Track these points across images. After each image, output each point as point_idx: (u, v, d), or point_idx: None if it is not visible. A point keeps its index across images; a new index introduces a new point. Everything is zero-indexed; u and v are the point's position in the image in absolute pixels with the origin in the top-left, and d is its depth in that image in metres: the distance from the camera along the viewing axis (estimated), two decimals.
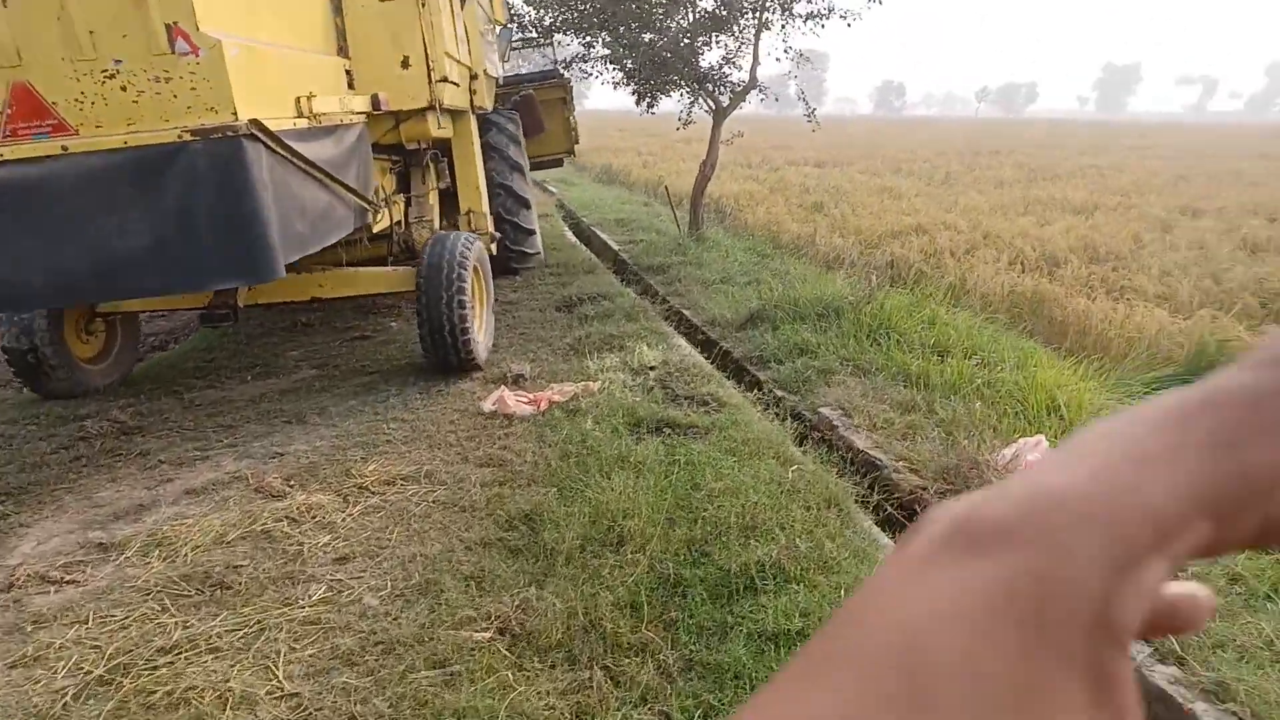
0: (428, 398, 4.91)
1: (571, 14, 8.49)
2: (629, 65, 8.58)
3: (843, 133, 43.65)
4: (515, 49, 9.49)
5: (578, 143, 9.68)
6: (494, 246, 6.52)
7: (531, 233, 7.76)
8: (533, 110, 8.32)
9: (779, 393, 5.00)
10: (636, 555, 2.94)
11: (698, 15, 8.63)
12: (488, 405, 4.63)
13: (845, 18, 8.43)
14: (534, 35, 8.79)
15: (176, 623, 2.84)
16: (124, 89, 3.01)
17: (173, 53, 2.97)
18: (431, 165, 6.24)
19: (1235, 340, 5.15)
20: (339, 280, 5.19)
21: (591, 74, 9.04)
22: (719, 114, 9.04)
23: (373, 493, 3.78)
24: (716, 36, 8.71)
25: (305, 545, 3.36)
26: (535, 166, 9.49)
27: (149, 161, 3.04)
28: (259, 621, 2.84)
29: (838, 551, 2.80)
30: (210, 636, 2.75)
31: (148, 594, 3.05)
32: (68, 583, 3.13)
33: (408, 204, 5.99)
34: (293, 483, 3.93)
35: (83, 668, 2.62)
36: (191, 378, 5.55)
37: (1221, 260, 7.77)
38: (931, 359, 5.23)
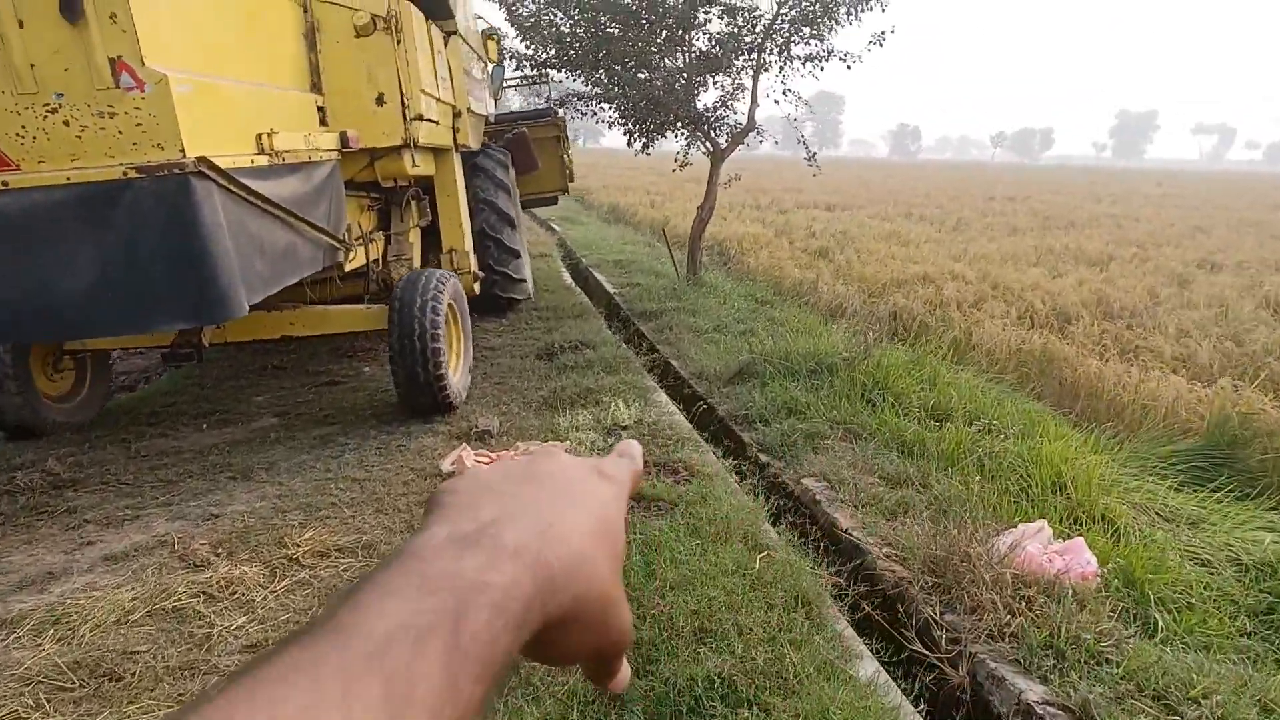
0: (385, 454, 4.59)
1: (566, 51, 8.29)
2: (624, 105, 8.34)
3: (855, 176, 43.60)
4: (509, 87, 9.32)
5: (572, 180, 9.56)
6: (477, 286, 6.35)
7: (522, 281, 7.63)
8: (525, 148, 8.21)
9: (763, 457, 4.64)
10: None
11: (693, 55, 8.41)
12: (446, 465, 4.29)
13: (845, 60, 8.19)
14: (528, 73, 8.58)
15: None
16: (67, 124, 2.90)
17: (117, 87, 2.86)
18: (413, 203, 6.09)
19: (1260, 414, 4.75)
20: (310, 319, 5.06)
21: (586, 113, 8.81)
22: (717, 156, 8.78)
23: (303, 566, 3.44)
24: (713, 77, 8.48)
25: (216, 629, 3.01)
26: (529, 205, 9.47)
27: (93, 198, 2.93)
28: None
29: (801, 665, 2.43)
30: None
31: (27, 683, 2.71)
32: None
33: (387, 242, 5.81)
34: (221, 550, 3.59)
35: None
36: (145, 424, 5.25)
37: (1243, 320, 7.37)
38: (929, 424, 4.87)
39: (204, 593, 3.23)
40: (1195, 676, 2.53)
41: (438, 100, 5.44)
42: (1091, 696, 2.42)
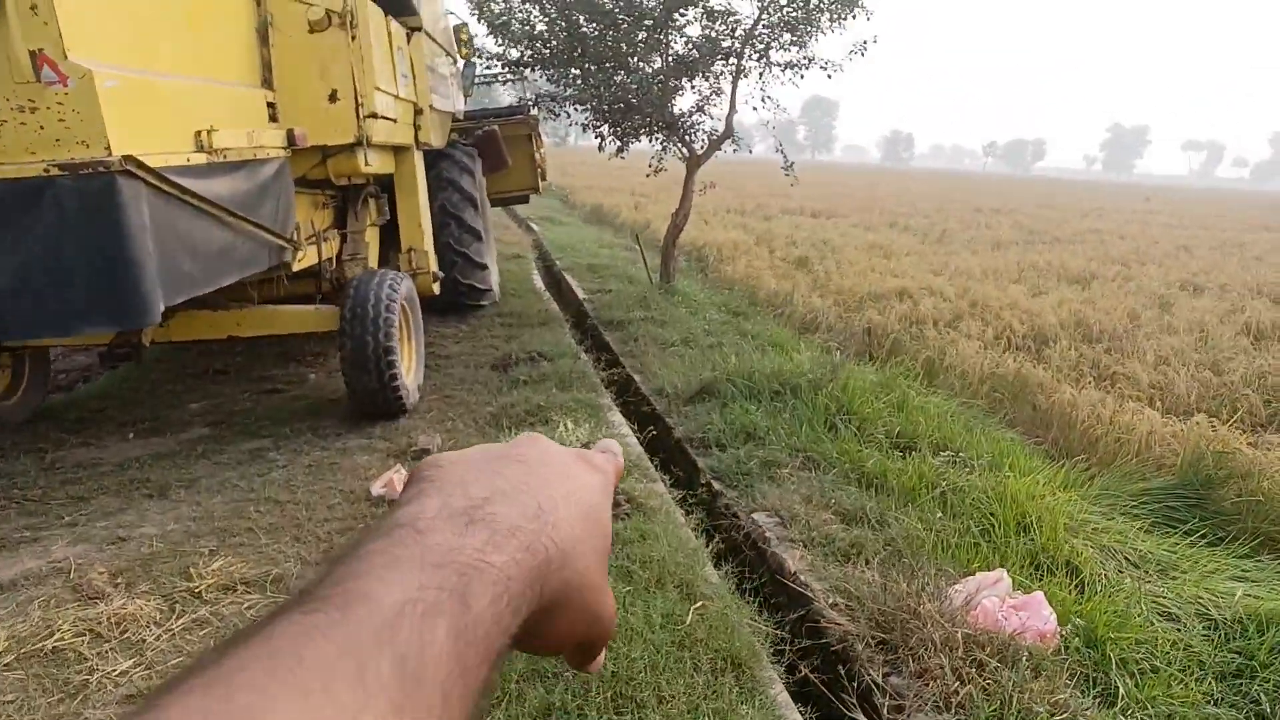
0: (316, 473, 4.33)
1: (540, 50, 8.03)
2: (598, 107, 8.09)
3: (845, 182, 43.53)
4: (482, 84, 9.06)
5: (545, 179, 9.38)
6: (437, 286, 6.20)
7: (483, 267, 7.49)
8: (495, 146, 8.01)
9: (717, 485, 4.41)
10: None
11: (670, 59, 8.17)
12: (376, 488, 4.03)
13: (825, 68, 7.97)
14: (501, 71, 8.32)
15: None
16: None
17: (38, 81, 2.73)
18: (370, 201, 5.93)
19: (1235, 453, 4.54)
20: (258, 319, 4.98)
21: (559, 114, 8.55)
22: (693, 162, 8.54)
23: (205, 601, 3.18)
24: (690, 81, 8.24)
25: (96, 674, 2.75)
26: (499, 203, 9.31)
27: (12, 197, 2.82)
28: None
29: None
30: None
31: None
32: None
33: (343, 240, 5.66)
34: (120, 580, 3.32)
35: None
36: (67, 431, 4.96)
37: (1222, 347, 7.19)
38: (893, 454, 4.64)
39: (91, 630, 2.97)
40: None
41: (396, 98, 5.31)
42: None
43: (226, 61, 3.94)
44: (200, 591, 3.22)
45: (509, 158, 8.24)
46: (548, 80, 8.54)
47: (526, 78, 8.62)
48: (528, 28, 8.12)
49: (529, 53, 8.09)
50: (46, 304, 2.92)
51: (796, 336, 7.76)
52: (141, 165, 2.95)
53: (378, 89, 4.72)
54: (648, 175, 8.84)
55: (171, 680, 0.26)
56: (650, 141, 8.66)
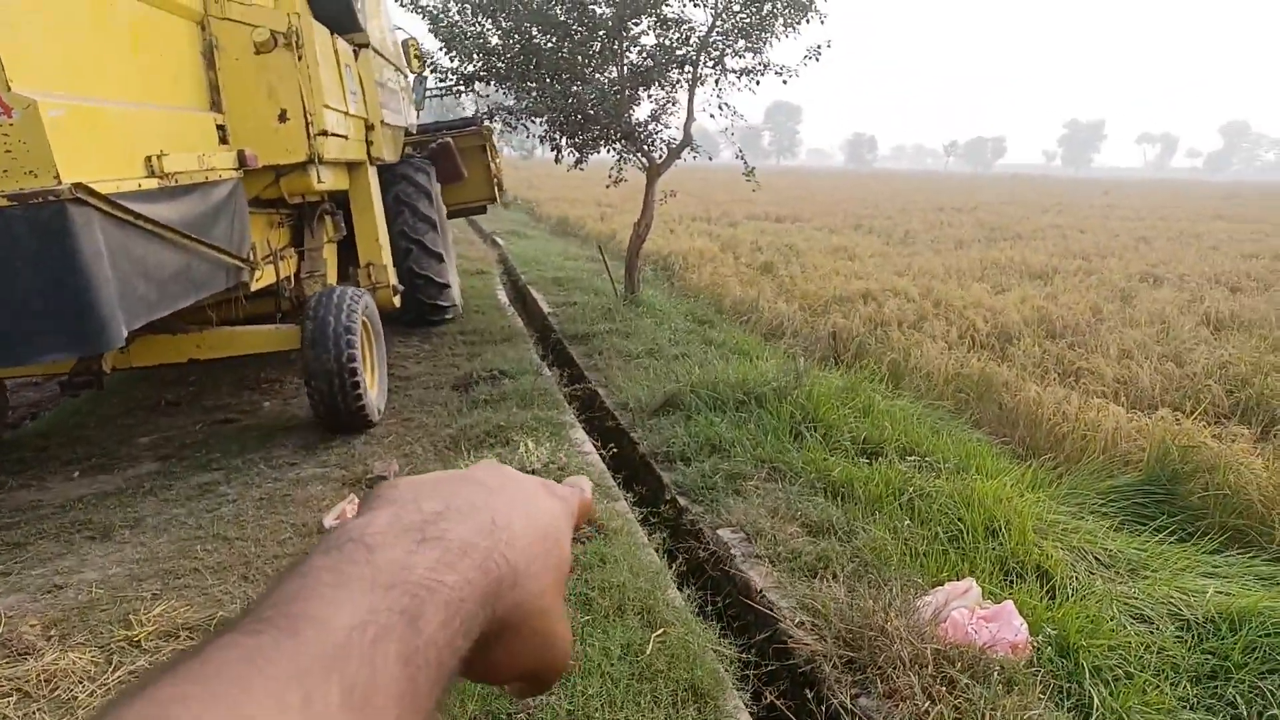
0: (267, 506, 4.17)
1: (494, 64, 7.93)
2: (555, 118, 8.00)
3: (809, 186, 43.81)
4: (434, 97, 8.97)
5: (502, 189, 9.45)
6: (398, 299, 6.20)
7: (446, 286, 7.55)
8: (450, 158, 8.02)
9: (682, 501, 4.31)
10: None
11: (625, 68, 8.09)
12: (329, 520, 3.89)
13: (780, 74, 7.93)
14: (455, 84, 8.20)
15: None
16: None
17: None
18: (327, 218, 5.93)
19: (1200, 446, 4.52)
20: (218, 340, 4.99)
21: (516, 126, 8.44)
22: (653, 171, 8.46)
23: (144, 650, 3.02)
24: (646, 90, 8.17)
25: None
26: (456, 214, 9.30)
27: None
28: None
29: None
30: None
31: None
32: None
33: (300, 258, 5.70)
34: (54, 632, 3.15)
35: None
36: (8, 472, 4.76)
37: (1184, 338, 7.22)
38: (859, 461, 4.57)
39: (19, 690, 2.80)
40: None
41: (346, 114, 5.32)
42: None
43: (173, 86, 3.93)
44: (140, 640, 3.06)
45: (464, 169, 8.25)
46: (504, 93, 8.46)
47: (478, 91, 8.51)
48: (481, 41, 8.02)
49: (483, 67, 7.99)
50: (6, 334, 2.91)
51: (762, 343, 7.71)
52: (92, 192, 2.94)
53: (327, 106, 4.75)
54: (607, 186, 8.76)
55: (109, 705, 0.25)
56: (608, 152, 8.58)
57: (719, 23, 7.84)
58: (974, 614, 2.96)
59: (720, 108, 8.21)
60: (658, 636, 2.74)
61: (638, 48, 8.15)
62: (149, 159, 3.49)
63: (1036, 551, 3.61)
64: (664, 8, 7.81)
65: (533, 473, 3.31)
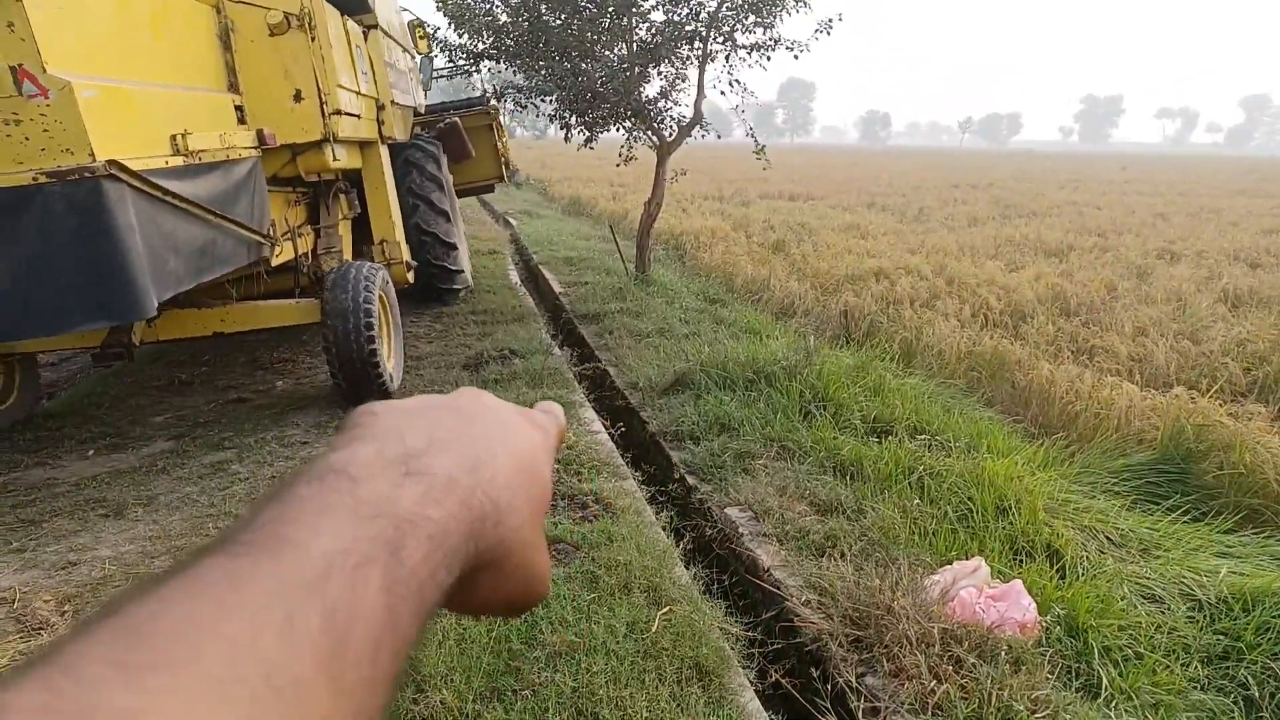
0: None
1: (503, 42, 7.87)
2: (564, 97, 7.94)
3: (822, 164, 43.46)
4: (441, 77, 8.95)
5: (509, 168, 9.53)
6: (411, 275, 6.37)
7: (453, 247, 7.61)
8: (458, 137, 8.11)
9: (690, 480, 4.30)
10: None
11: (635, 45, 8.01)
12: None
13: (792, 49, 7.82)
14: (464, 63, 8.16)
15: None
16: None
17: (20, 94, 2.88)
18: (341, 196, 6.09)
19: (1215, 425, 4.47)
20: (241, 315, 5.13)
21: (525, 105, 8.39)
22: (663, 149, 8.39)
23: None
24: (655, 67, 8.08)
25: None
26: (465, 193, 9.40)
27: (4, 204, 2.96)
28: None
29: None
30: None
31: None
32: None
33: (317, 235, 5.87)
34: (67, 608, 3.19)
35: None
36: (24, 451, 4.81)
37: (1201, 316, 7.13)
38: (869, 440, 4.55)
39: None
40: None
41: (358, 94, 5.42)
42: None
43: (193, 68, 4.06)
44: None
45: (472, 149, 8.25)
46: (514, 72, 8.43)
47: (485, 70, 8.49)
48: (490, 18, 7.96)
49: (492, 45, 7.93)
50: (44, 304, 3.06)
51: (773, 322, 7.66)
52: (124, 169, 3.08)
53: (340, 86, 4.89)
54: (617, 165, 8.70)
55: (82, 625, 0.24)
56: (618, 130, 8.52)
57: None
58: (982, 593, 2.95)
59: (731, 84, 8.12)
60: (663, 614, 2.74)
61: (646, 24, 8.06)
62: (174, 137, 3.63)
63: (1047, 530, 3.58)
64: None
65: None
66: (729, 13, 7.79)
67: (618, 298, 8.22)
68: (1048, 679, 2.59)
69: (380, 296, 5.09)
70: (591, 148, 8.64)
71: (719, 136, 8.64)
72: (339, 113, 4.84)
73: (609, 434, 4.79)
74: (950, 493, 3.90)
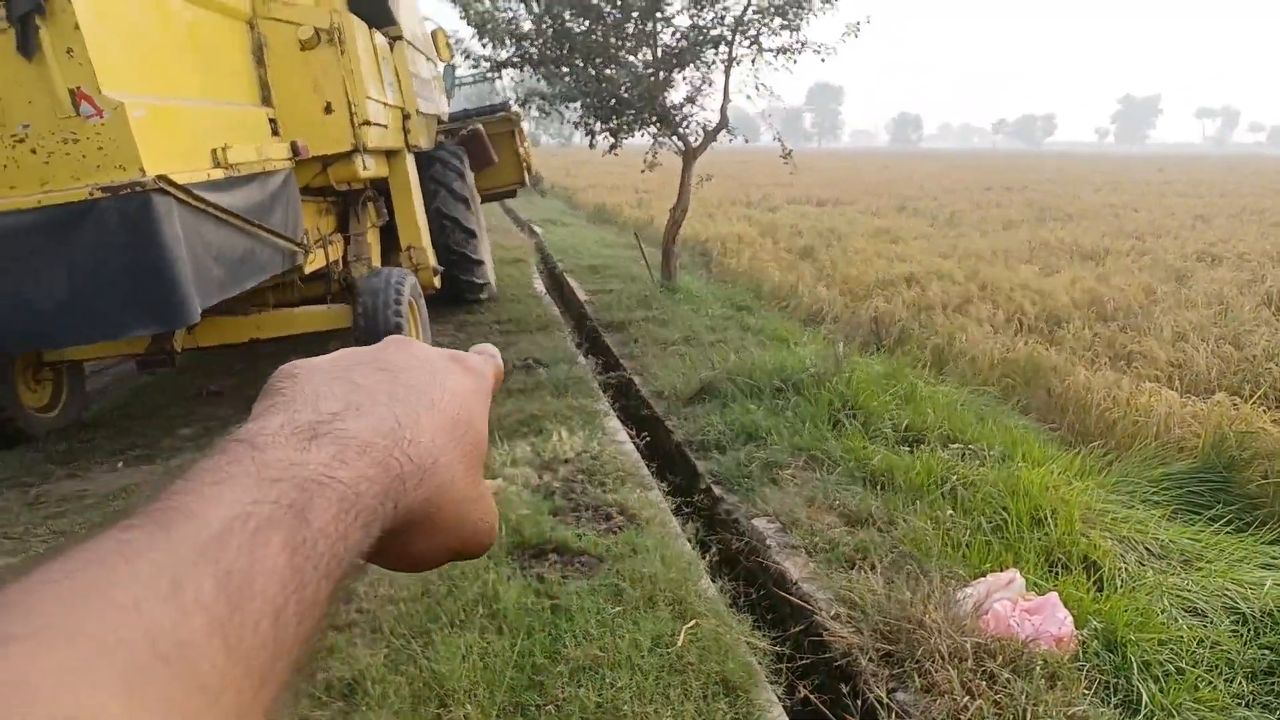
0: None
1: (526, 49, 7.90)
2: (588, 103, 7.95)
3: (852, 168, 43.19)
4: (464, 85, 9.02)
5: (530, 173, 9.66)
6: (438, 280, 6.52)
7: (480, 263, 7.79)
8: (481, 144, 8.17)
9: (717, 490, 4.25)
10: None
11: (659, 50, 8.00)
12: None
13: (819, 51, 7.77)
14: (488, 70, 8.22)
15: None
16: (34, 151, 3.11)
17: (78, 115, 3.06)
18: (369, 205, 6.24)
19: (1259, 433, 4.34)
20: (276, 321, 5.27)
21: (550, 112, 8.42)
22: (688, 155, 8.37)
23: None
24: (680, 72, 8.07)
25: None
26: (488, 198, 9.47)
27: (62, 219, 3.14)
28: None
29: None
30: None
31: None
32: None
33: (346, 243, 6.00)
34: None
35: None
36: (56, 462, 4.87)
37: (1243, 320, 6.94)
38: (900, 449, 4.47)
39: None
40: None
41: (385, 105, 5.55)
42: None
43: (229, 83, 4.23)
44: None
45: (495, 155, 8.37)
46: (538, 79, 8.48)
47: (508, 78, 8.57)
48: (513, 26, 8.00)
49: (516, 52, 7.97)
50: (101, 311, 3.25)
51: (801, 329, 7.59)
52: (172, 183, 3.26)
53: (369, 98, 4.98)
54: (642, 171, 8.69)
55: None
56: (643, 136, 8.52)
57: (754, 1, 7.70)
58: (1016, 606, 2.87)
59: (757, 88, 8.08)
60: (689, 628, 2.70)
61: (671, 29, 8.05)
62: (214, 151, 3.78)
63: (1084, 541, 3.48)
64: None
65: (565, 462, 3.28)
66: (754, 16, 7.77)
67: (643, 305, 8.19)
68: (1085, 695, 2.50)
69: (409, 301, 5.20)
70: (616, 154, 8.64)
71: (745, 141, 8.60)
72: (368, 123, 4.95)
73: (634, 443, 4.76)
74: (984, 503, 3.81)
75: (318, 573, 0.29)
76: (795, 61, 7.88)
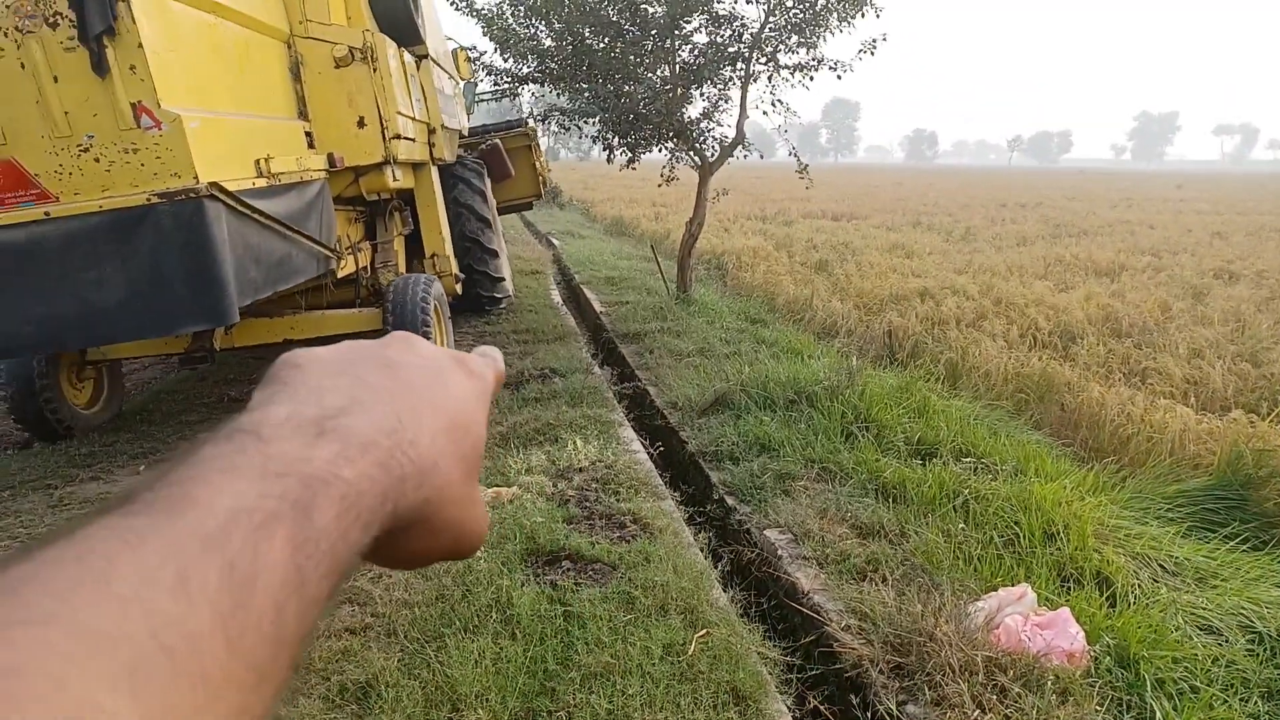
0: None
1: (547, 65, 7.99)
2: (606, 118, 8.03)
3: (867, 183, 43.18)
4: (483, 101, 9.17)
5: (547, 186, 9.98)
6: (459, 287, 6.78)
7: (501, 279, 8.15)
8: (499, 158, 8.42)
9: (729, 501, 4.27)
10: None
11: (678, 66, 8.07)
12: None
13: (835, 69, 7.81)
14: (510, 86, 8.34)
15: None
16: (97, 160, 3.34)
17: (139, 127, 3.28)
18: (396, 214, 6.52)
19: (1276, 449, 4.31)
20: (309, 323, 5.48)
21: (569, 127, 8.50)
22: (705, 170, 8.42)
23: None
24: (698, 88, 8.14)
25: None
26: (505, 210, 9.74)
27: (122, 222, 3.36)
28: None
29: None
30: None
31: None
32: None
33: (374, 250, 6.28)
34: None
35: None
36: (78, 465, 4.95)
37: (1261, 337, 6.90)
38: (913, 462, 4.47)
39: None
40: None
41: (413, 119, 5.81)
42: None
43: (270, 98, 4.46)
44: None
45: (512, 168, 8.60)
46: (557, 94, 8.60)
47: (528, 93, 8.71)
48: (534, 43, 8.09)
49: (537, 68, 8.07)
50: (152, 309, 3.46)
51: (815, 342, 7.60)
52: (223, 189, 3.49)
53: (399, 113, 5.20)
54: (659, 185, 8.75)
55: None
56: (660, 151, 8.58)
57: (772, 19, 7.76)
58: (1028, 620, 2.87)
59: (774, 104, 8.13)
60: (700, 637, 2.72)
61: (689, 45, 8.12)
62: (258, 161, 4.00)
63: (1096, 557, 3.48)
64: (716, 5, 7.78)
65: (580, 471, 3.31)
66: (772, 33, 7.82)
67: (658, 317, 8.23)
68: (1097, 711, 2.50)
69: (435, 305, 5.49)
70: (634, 168, 8.70)
71: (761, 156, 8.65)
72: (398, 137, 5.16)
73: (648, 453, 4.78)
74: (996, 517, 3.81)
75: (318, 571, 0.29)
76: (812, 78, 7.93)
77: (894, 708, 2.53)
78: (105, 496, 4.47)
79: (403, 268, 6.54)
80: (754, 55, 7.86)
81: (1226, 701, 2.68)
